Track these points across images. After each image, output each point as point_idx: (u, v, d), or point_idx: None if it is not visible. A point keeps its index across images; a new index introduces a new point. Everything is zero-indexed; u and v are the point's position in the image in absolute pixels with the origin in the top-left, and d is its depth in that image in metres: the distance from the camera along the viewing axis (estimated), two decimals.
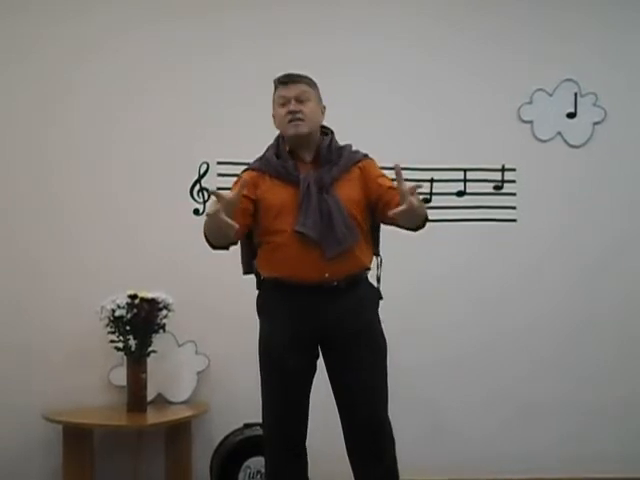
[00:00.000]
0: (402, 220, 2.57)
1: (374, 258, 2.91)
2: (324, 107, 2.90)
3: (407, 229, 2.73)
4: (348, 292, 2.75)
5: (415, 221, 2.63)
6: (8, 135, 3.97)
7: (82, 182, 3.98)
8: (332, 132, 2.92)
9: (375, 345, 2.80)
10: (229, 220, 2.47)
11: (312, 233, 2.68)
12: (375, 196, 2.79)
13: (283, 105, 2.80)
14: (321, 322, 2.74)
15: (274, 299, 2.80)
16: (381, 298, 2.90)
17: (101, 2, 4.04)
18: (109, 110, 4.00)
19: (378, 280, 2.91)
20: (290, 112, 2.77)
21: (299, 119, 2.77)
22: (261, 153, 2.90)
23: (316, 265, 2.70)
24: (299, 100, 2.79)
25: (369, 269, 2.86)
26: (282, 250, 2.73)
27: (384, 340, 2.83)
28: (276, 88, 2.85)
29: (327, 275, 2.71)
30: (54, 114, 3.97)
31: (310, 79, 2.86)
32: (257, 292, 2.89)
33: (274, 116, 2.87)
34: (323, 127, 2.91)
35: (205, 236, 2.67)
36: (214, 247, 2.71)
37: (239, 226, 2.55)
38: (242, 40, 4.05)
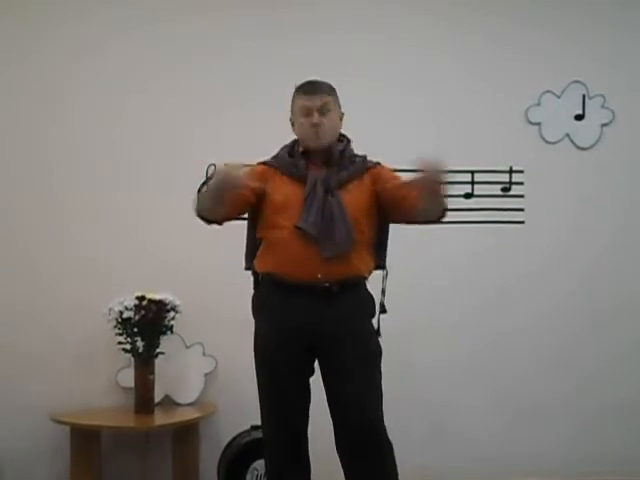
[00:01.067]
0: (424, 203, 2.58)
1: (380, 271, 2.91)
2: (342, 113, 2.90)
3: (426, 222, 2.74)
4: (341, 296, 2.75)
5: (435, 207, 2.64)
6: (8, 135, 3.97)
7: (87, 184, 3.99)
8: (349, 140, 2.92)
9: (367, 350, 2.79)
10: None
11: (312, 230, 2.68)
12: (390, 194, 2.78)
13: (305, 115, 2.80)
14: (313, 324, 2.73)
15: (268, 298, 2.81)
16: (384, 311, 2.89)
17: (101, 2, 4.04)
18: (113, 110, 4.01)
19: (383, 293, 2.90)
20: (313, 125, 2.77)
21: (320, 132, 2.78)
22: (268, 155, 2.91)
23: (310, 265, 2.70)
24: (322, 112, 2.78)
25: (365, 278, 2.85)
26: (280, 245, 2.74)
27: (378, 345, 2.82)
28: (298, 95, 2.84)
29: (319, 276, 2.71)
30: (54, 114, 3.98)
31: (331, 86, 2.86)
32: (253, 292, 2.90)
33: (292, 122, 2.87)
34: (340, 134, 2.91)
35: (199, 201, 2.74)
36: (200, 216, 2.77)
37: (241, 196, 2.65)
38: (242, 40, 4.05)
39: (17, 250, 3.93)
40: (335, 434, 2.78)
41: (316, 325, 2.74)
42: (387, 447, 2.76)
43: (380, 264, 2.92)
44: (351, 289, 2.78)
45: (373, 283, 2.88)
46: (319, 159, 2.84)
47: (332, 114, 2.82)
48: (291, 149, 2.88)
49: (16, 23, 3.97)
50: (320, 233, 2.69)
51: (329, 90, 2.85)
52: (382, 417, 2.76)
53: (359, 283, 2.83)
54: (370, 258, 2.85)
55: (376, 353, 2.81)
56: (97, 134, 4.00)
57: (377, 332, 2.87)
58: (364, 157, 2.91)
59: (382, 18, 4.14)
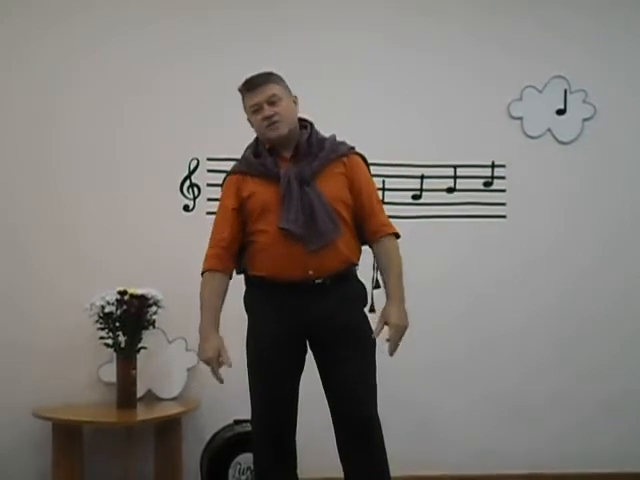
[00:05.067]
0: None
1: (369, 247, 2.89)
2: (295, 97, 2.86)
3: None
4: (334, 289, 2.74)
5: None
6: (7, 133, 3.97)
7: (73, 179, 3.98)
8: (311, 124, 2.88)
9: (362, 341, 2.79)
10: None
11: (295, 228, 2.67)
12: (357, 204, 2.81)
13: (257, 112, 2.78)
14: (307, 320, 2.73)
15: (261, 297, 2.80)
16: (378, 287, 2.88)
17: (101, 2, 4.04)
18: (102, 109, 4.01)
19: (374, 268, 2.88)
20: (266, 118, 2.75)
21: (276, 121, 2.75)
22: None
23: (300, 263, 2.69)
24: (270, 103, 2.76)
25: (356, 264, 2.84)
26: (267, 250, 2.73)
27: (372, 337, 2.81)
28: (244, 96, 2.82)
29: (311, 272, 2.70)
30: (53, 113, 3.98)
31: (273, 75, 2.82)
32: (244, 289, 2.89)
33: (250, 121, 2.85)
34: (302, 120, 2.87)
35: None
36: None
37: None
38: (238, 39, 4.06)
39: (5, 246, 3.93)
40: (334, 429, 2.78)
41: (312, 321, 2.73)
42: (379, 438, 2.77)
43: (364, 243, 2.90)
44: (343, 281, 2.77)
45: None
46: (287, 152, 2.82)
47: (283, 102, 2.78)
48: (255, 148, 2.85)
49: (16, 23, 3.97)
50: (304, 228, 2.68)
51: (273, 79, 2.81)
52: (377, 412, 2.77)
53: (350, 273, 2.82)
54: (355, 241, 2.83)
55: (371, 344, 2.80)
56: (94, 133, 4.00)
57: (372, 309, 2.87)
58: (333, 137, 2.87)
59: (363, 15, 4.14)
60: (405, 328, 2.75)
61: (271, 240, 2.71)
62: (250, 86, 2.79)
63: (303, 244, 2.69)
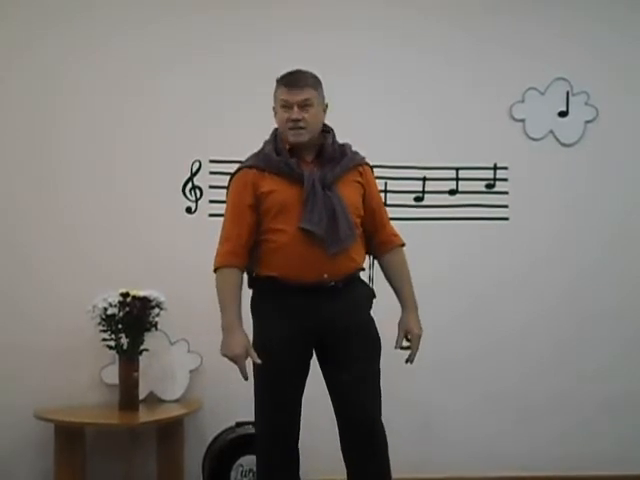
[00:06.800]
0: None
1: (367, 258, 2.94)
2: (326, 105, 2.85)
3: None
4: (344, 292, 2.75)
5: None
6: (7, 133, 3.95)
7: (73, 180, 3.97)
8: (332, 130, 2.88)
9: (370, 344, 2.81)
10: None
11: (318, 230, 2.67)
12: (369, 214, 2.86)
13: (284, 108, 2.76)
14: (317, 322, 2.73)
15: (270, 299, 2.79)
16: (374, 296, 2.91)
17: (101, 2, 4.02)
18: (102, 109, 3.99)
19: (370, 280, 2.92)
20: (292, 120, 2.74)
21: (300, 127, 2.74)
22: (253, 150, 2.87)
23: (316, 265, 2.69)
24: (301, 106, 2.74)
25: (364, 269, 2.87)
26: (283, 250, 2.71)
27: (379, 339, 2.84)
28: (279, 87, 2.79)
29: (326, 276, 2.71)
30: (53, 113, 3.97)
31: (314, 79, 2.81)
32: (250, 291, 2.88)
33: (274, 110, 2.84)
34: (323, 125, 2.86)
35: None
36: None
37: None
38: (239, 39, 4.04)
39: (8, 248, 3.91)
40: (338, 426, 2.80)
41: (323, 323, 2.74)
42: (383, 440, 2.79)
43: (368, 251, 2.93)
44: (352, 283, 2.79)
45: None
46: (308, 156, 2.81)
47: (313, 109, 2.76)
48: (275, 144, 2.81)
49: (16, 23, 3.96)
50: (326, 231, 2.67)
51: (313, 83, 2.79)
52: (381, 416, 2.79)
53: (357, 275, 2.84)
54: (363, 248, 2.86)
55: (377, 346, 2.83)
56: (93, 133, 3.99)
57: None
58: (349, 146, 2.89)
59: (363, 14, 4.13)
60: (421, 336, 2.88)
61: (289, 240, 2.70)
62: (288, 82, 2.77)
63: (323, 247, 2.68)
